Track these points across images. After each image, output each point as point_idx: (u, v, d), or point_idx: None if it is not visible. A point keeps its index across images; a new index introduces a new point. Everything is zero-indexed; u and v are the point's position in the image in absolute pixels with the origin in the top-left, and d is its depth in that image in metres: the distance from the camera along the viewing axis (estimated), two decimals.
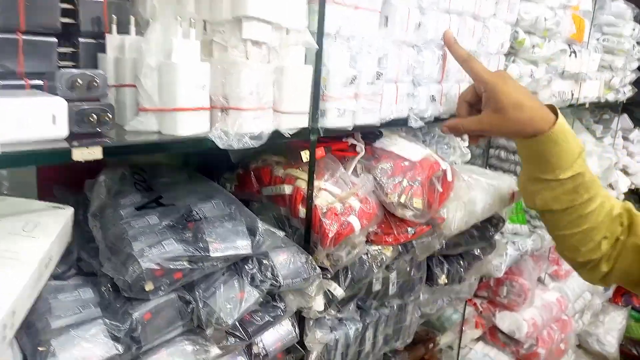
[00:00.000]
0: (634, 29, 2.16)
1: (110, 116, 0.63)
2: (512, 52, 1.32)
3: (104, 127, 0.64)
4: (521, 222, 1.74)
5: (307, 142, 0.87)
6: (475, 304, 1.83)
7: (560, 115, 0.88)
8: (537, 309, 1.86)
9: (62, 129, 0.59)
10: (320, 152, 0.92)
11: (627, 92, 2.40)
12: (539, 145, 0.87)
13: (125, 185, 0.83)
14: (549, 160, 0.87)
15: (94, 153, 0.59)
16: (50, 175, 0.95)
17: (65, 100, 0.59)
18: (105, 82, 0.64)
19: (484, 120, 0.91)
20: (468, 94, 0.96)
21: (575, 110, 2.36)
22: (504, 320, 1.80)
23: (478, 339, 1.87)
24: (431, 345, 1.51)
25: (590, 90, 1.98)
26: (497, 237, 1.39)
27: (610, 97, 2.22)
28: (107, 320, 0.66)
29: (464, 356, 1.77)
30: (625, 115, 3.02)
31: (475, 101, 0.95)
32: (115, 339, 0.65)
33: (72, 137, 0.60)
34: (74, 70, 0.62)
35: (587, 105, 1.95)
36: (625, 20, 2.11)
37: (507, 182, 1.31)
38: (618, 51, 2.13)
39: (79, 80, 0.62)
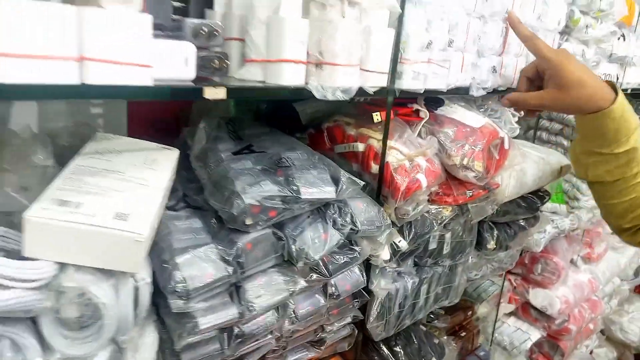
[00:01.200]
0: None
1: (228, 63, 0.71)
2: (566, 31, 1.37)
3: (221, 73, 0.71)
4: (560, 202, 1.78)
5: (384, 102, 0.94)
6: (509, 280, 1.89)
7: (620, 92, 0.91)
8: (569, 288, 1.91)
9: (191, 71, 0.67)
10: (384, 115, 0.98)
11: None
12: (599, 121, 0.90)
13: (220, 132, 0.91)
14: (606, 136, 0.91)
15: (220, 93, 0.67)
16: (139, 121, 1.03)
17: None
18: (223, 32, 0.72)
19: (546, 96, 0.95)
20: (530, 70, 0.99)
21: None
22: (537, 297, 1.86)
23: (510, 314, 1.93)
24: (470, 312, 1.58)
25: (635, 75, 2.00)
26: (540, 212, 1.45)
27: None
28: (217, 246, 0.74)
29: (497, 328, 1.83)
30: None
31: (536, 77, 0.99)
32: (225, 261, 0.73)
33: (196, 80, 0.68)
34: (199, 20, 0.69)
35: (629, 91, 1.98)
36: None
37: (556, 157, 1.36)
38: None
39: (203, 28, 0.69)
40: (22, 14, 0.48)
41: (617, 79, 1.76)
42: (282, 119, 1.13)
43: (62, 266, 0.59)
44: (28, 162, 0.69)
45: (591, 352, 2.74)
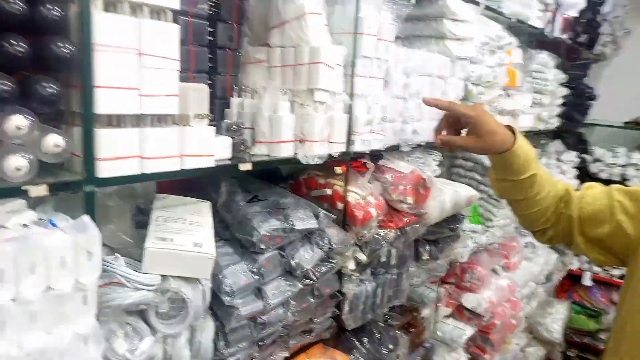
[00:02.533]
0: (556, 74, 2.82)
1: (248, 146, 1.14)
2: (464, 98, 1.89)
3: (243, 152, 1.14)
4: (477, 222, 2.29)
5: (343, 161, 1.39)
6: (445, 288, 2.35)
7: (518, 134, 1.19)
8: (492, 291, 2.40)
9: (228, 153, 1.09)
10: (343, 168, 1.43)
11: (555, 123, 3.05)
12: (506, 158, 1.15)
13: (234, 188, 1.32)
14: (512, 168, 1.16)
15: (248, 166, 1.09)
16: (164, 186, 1.42)
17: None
18: (243, 126, 1.15)
19: (469, 141, 1.22)
20: (452, 115, 1.25)
21: None
22: (468, 300, 2.33)
23: (449, 316, 2.39)
24: (416, 313, 2.02)
25: (525, 121, 2.60)
26: (459, 230, 1.94)
27: (542, 126, 2.85)
28: (245, 263, 1.15)
29: (440, 327, 2.28)
30: (558, 141, 3.69)
31: (455, 122, 1.24)
32: (252, 272, 1.13)
33: (230, 158, 1.10)
34: (230, 120, 1.12)
35: (524, 134, 2.56)
36: (548, 68, 2.76)
37: (465, 190, 1.86)
38: (545, 91, 2.77)
39: (233, 126, 1.12)
40: (153, 136, 0.89)
41: None
42: (269, 175, 1.56)
43: (164, 277, 0.98)
44: (124, 215, 1.08)
45: (522, 351, 3.25)
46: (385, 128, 1.48)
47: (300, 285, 1.24)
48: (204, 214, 1.16)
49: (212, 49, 1.20)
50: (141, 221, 1.15)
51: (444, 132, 1.26)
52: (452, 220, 1.85)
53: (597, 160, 3.81)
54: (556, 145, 3.61)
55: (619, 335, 1.12)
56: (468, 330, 2.31)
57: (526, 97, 2.53)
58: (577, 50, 3.25)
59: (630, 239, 1.09)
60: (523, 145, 1.18)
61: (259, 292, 1.17)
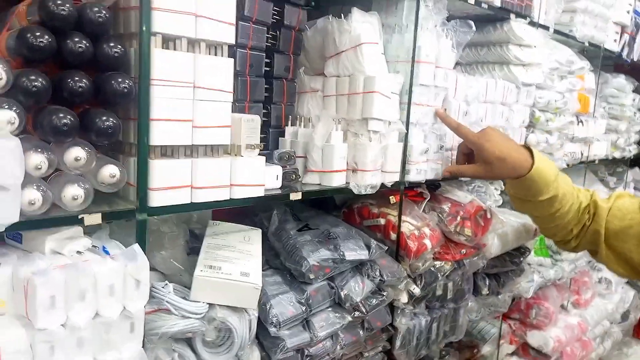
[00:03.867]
0: (634, 99, 2.64)
1: (299, 175, 1.14)
2: (531, 125, 1.80)
3: (295, 181, 1.14)
4: (545, 255, 2.16)
5: (397, 190, 1.36)
6: (509, 324, 2.22)
7: (536, 156, 1.15)
8: (560, 329, 2.24)
9: (279, 183, 1.09)
10: (397, 197, 1.40)
11: (632, 150, 2.84)
12: (521, 183, 1.17)
13: (286, 216, 1.32)
14: (529, 191, 1.18)
15: (298, 195, 1.09)
16: (219, 212, 1.45)
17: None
18: (295, 155, 1.15)
19: (477, 169, 1.25)
20: (464, 148, 1.32)
21: (589, 165, 2.80)
22: (534, 338, 2.19)
23: (512, 354, 2.25)
24: (475, 350, 1.92)
25: (599, 149, 2.44)
26: (524, 264, 1.83)
27: (617, 154, 2.67)
28: (293, 293, 1.13)
29: None
30: (637, 169, 3.44)
31: (470, 152, 1.30)
32: (300, 303, 1.12)
33: (281, 187, 1.10)
34: (282, 150, 1.13)
35: (596, 162, 2.41)
36: (625, 93, 2.59)
37: (530, 222, 1.76)
38: (621, 117, 2.60)
39: (285, 155, 1.12)
40: (204, 166, 0.91)
41: (582, 154, 2.19)
42: (321, 203, 1.55)
43: (211, 305, 0.99)
44: (177, 242, 1.11)
45: None
46: (443, 157, 1.44)
47: (349, 318, 1.21)
48: (253, 241, 1.16)
49: (268, 79, 1.22)
50: (195, 247, 1.17)
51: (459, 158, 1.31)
52: (515, 254, 1.75)
53: None
54: (634, 173, 3.36)
55: None
56: None
57: (600, 124, 2.38)
58: None
59: None
60: (541, 169, 1.14)
61: (306, 324, 1.15)
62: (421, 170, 1.37)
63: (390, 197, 1.40)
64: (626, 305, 2.90)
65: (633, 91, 2.64)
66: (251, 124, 0.99)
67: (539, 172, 1.15)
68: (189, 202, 0.90)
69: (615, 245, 1.16)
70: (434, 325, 1.51)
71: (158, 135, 0.83)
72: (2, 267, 0.74)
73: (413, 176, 1.35)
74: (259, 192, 1.00)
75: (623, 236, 1.14)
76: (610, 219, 1.16)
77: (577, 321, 2.35)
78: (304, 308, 1.12)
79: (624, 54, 2.42)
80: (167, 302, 0.92)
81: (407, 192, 1.47)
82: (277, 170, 1.09)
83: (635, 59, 2.52)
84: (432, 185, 1.57)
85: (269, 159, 1.12)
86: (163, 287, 0.94)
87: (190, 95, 0.86)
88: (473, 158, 1.28)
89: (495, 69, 1.67)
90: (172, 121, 0.84)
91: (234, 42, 0.92)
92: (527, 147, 1.21)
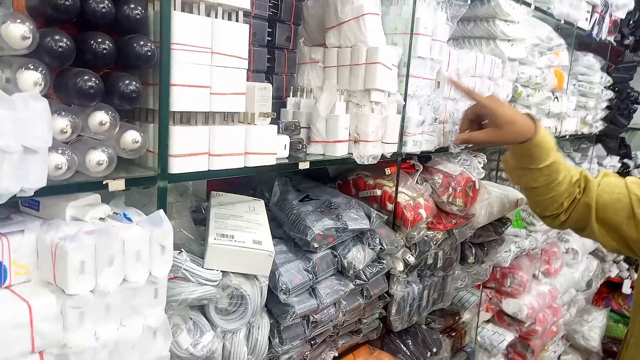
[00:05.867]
0: (601, 77, 2.75)
1: (305, 145, 1.15)
2: (513, 100, 1.86)
3: (301, 151, 1.15)
4: (520, 227, 2.25)
5: (394, 162, 1.39)
6: (486, 293, 2.32)
7: (538, 122, 1.19)
8: (533, 297, 2.36)
9: (287, 152, 1.10)
10: (392, 168, 1.43)
11: (598, 127, 2.97)
12: (527, 147, 1.17)
13: (287, 187, 1.33)
14: (533, 157, 1.20)
15: (306, 164, 1.10)
16: (215, 184, 1.44)
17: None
18: (300, 126, 1.15)
19: (489, 133, 1.25)
20: (470, 114, 1.31)
21: (557, 141, 2.92)
22: (509, 305, 2.30)
23: (488, 321, 2.36)
24: (457, 317, 2.00)
25: (569, 125, 2.54)
26: (505, 234, 1.91)
27: (585, 130, 2.79)
28: (299, 261, 1.15)
29: (479, 332, 2.25)
30: (600, 145, 3.60)
31: (475, 118, 1.30)
32: (307, 271, 1.14)
33: (288, 157, 1.11)
34: (288, 120, 1.13)
35: (567, 137, 2.51)
36: (594, 71, 2.70)
37: (513, 193, 1.83)
38: (590, 94, 2.71)
39: (291, 125, 1.13)
40: (221, 133, 0.91)
41: (556, 129, 2.28)
42: (318, 175, 1.57)
43: (225, 273, 0.99)
44: (184, 212, 1.10)
45: (559, 358, 3.19)
46: (436, 129, 1.47)
47: (352, 285, 1.24)
48: (259, 211, 1.17)
49: (270, 49, 1.21)
50: (197, 219, 1.17)
51: (467, 131, 1.30)
52: (498, 224, 1.82)
53: (639, 166, 3.71)
54: (598, 149, 3.52)
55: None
56: (508, 336, 2.28)
57: (571, 100, 2.48)
58: (622, 52, 3.16)
59: None
60: (544, 134, 1.18)
61: (312, 291, 1.17)
62: (417, 142, 1.40)
63: (386, 169, 1.42)
64: (590, 274, 3.07)
65: (601, 69, 2.75)
66: (264, 92, 0.99)
67: (543, 136, 1.18)
68: (207, 169, 0.90)
69: (605, 218, 1.20)
70: (425, 292, 1.56)
71: (178, 101, 0.82)
72: (26, 234, 0.73)
73: (410, 148, 1.38)
74: (271, 161, 1.01)
75: (613, 209, 1.18)
76: (600, 192, 1.21)
77: (547, 289, 2.48)
78: (310, 276, 1.14)
79: (594, 33, 2.51)
80: (184, 269, 0.92)
81: (401, 164, 1.50)
82: (285, 139, 1.10)
83: (603, 38, 2.62)
84: (423, 158, 1.61)
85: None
86: (179, 255, 0.93)
87: (208, 60, 0.85)
88: (476, 125, 1.30)
89: (482, 44, 1.71)
90: (192, 87, 0.84)
91: (249, 8, 0.91)
92: (529, 115, 1.24)
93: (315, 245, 1.17)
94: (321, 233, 1.18)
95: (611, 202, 1.19)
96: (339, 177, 1.55)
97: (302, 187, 1.39)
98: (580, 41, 2.76)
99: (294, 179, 1.42)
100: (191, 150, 0.86)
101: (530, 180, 1.25)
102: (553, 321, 2.47)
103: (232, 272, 0.99)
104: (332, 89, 1.21)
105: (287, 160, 1.10)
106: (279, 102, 1.27)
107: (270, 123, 1.08)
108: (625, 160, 3.74)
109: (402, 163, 1.52)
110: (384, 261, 1.32)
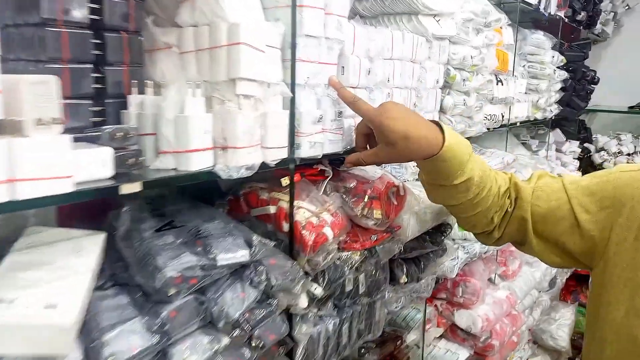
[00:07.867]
0: (553, 57, 2.51)
1: (142, 158, 0.84)
2: (446, 86, 1.59)
3: (137, 167, 0.83)
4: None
5: (286, 170, 1.09)
6: (435, 305, 2.05)
7: (447, 133, 0.97)
8: (489, 305, 2.10)
9: (109, 170, 0.79)
10: (296, 177, 1.13)
11: (554, 110, 2.74)
12: (431, 164, 0.99)
13: (143, 213, 1.02)
14: (442, 174, 1.01)
15: (135, 187, 0.79)
16: (66, 212, 1.12)
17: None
18: (136, 133, 0.84)
19: (379, 153, 1.04)
20: (363, 128, 1.11)
21: (511, 128, 2.67)
22: (462, 318, 2.04)
23: (440, 337, 2.09)
24: (399, 342, 1.72)
25: (520, 110, 2.29)
26: (447, 241, 1.63)
27: (539, 115, 2.55)
28: (143, 318, 0.84)
29: (429, 353, 1.98)
30: (558, 130, 3.39)
31: (370, 132, 1.07)
32: (151, 332, 0.83)
33: (115, 176, 0.80)
34: (114, 126, 0.82)
35: (518, 124, 2.26)
36: (545, 49, 2.46)
37: None
38: (541, 76, 2.47)
39: (117, 133, 0.82)
40: None
41: (503, 116, 2.02)
42: (203, 190, 1.26)
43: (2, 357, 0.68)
44: None
45: None
46: (343, 126, 1.18)
47: (226, 340, 0.93)
48: (87, 253, 0.86)
49: (96, 31, 0.89)
50: None
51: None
52: (436, 232, 1.54)
53: (601, 149, 3.52)
54: (556, 135, 3.31)
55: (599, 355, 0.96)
56: (462, 354, 2.02)
57: (520, 83, 2.23)
58: (575, 29, 2.94)
59: (594, 241, 0.95)
60: (453, 146, 0.97)
61: (164, 357, 0.87)
62: (315, 143, 1.10)
63: (282, 179, 1.13)
64: (554, 271, 2.84)
65: (552, 48, 2.52)
66: (40, 89, 0.67)
67: (451, 149, 0.97)
68: None
69: (544, 231, 1.01)
70: (345, 326, 1.27)
71: None
72: None
73: (305, 151, 1.09)
74: (63, 188, 0.69)
75: (552, 219, 1.00)
76: (535, 201, 1.02)
77: (505, 295, 2.23)
78: (158, 337, 0.83)
79: (542, 7, 2.26)
80: None
81: (304, 170, 1.21)
82: (103, 153, 0.78)
83: (552, 13, 2.38)
84: (337, 160, 1.32)
85: (97, 140, 0.81)
86: None
87: None
88: (375, 140, 1.06)
89: (403, 21, 1.43)
90: None
91: None
92: (437, 123, 1.02)
93: (170, 291, 0.87)
94: (178, 275, 0.87)
95: (550, 211, 1.00)
96: (230, 192, 1.24)
97: (169, 210, 1.08)
98: (531, 17, 2.53)
99: (162, 200, 1.11)
100: None
101: (447, 197, 1.05)
102: (512, 331, 2.23)
103: (11, 355, 0.68)
104: (182, 80, 0.90)
105: (108, 183, 0.79)
106: (118, 103, 0.95)
107: (92, 132, 0.78)
108: (586, 145, 3.55)
109: (307, 169, 1.23)
110: (273, 302, 1.02)
